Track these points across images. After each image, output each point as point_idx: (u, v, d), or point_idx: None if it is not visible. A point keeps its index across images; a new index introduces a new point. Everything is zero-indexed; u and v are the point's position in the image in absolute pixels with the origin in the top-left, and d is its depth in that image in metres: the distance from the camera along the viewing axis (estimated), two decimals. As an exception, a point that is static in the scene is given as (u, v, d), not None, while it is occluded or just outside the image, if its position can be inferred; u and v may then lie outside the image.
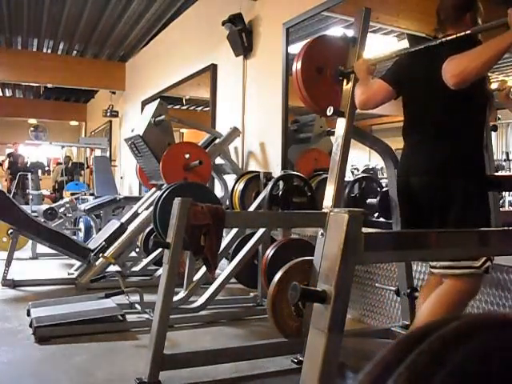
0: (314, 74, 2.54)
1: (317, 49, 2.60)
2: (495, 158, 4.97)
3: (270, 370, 2.29)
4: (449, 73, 1.83)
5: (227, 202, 4.24)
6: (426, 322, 1.64)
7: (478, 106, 2.02)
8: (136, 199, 5.39)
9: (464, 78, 1.79)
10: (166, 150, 3.97)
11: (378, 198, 3.22)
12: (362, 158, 6.62)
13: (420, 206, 2.01)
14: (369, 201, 3.32)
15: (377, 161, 5.87)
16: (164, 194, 3.41)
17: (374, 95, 2.21)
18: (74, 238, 5.45)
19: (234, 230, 3.40)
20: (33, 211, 5.90)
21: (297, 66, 2.54)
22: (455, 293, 1.87)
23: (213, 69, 5.45)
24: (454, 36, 1.94)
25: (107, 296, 3.06)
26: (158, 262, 4.42)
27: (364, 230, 1.19)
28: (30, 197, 8.25)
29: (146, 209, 4.46)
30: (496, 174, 3.52)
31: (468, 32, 1.90)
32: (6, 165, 12.14)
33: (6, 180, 11.94)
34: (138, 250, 4.87)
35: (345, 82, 2.46)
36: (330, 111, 2.30)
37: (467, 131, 1.97)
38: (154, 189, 4.77)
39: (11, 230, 4.27)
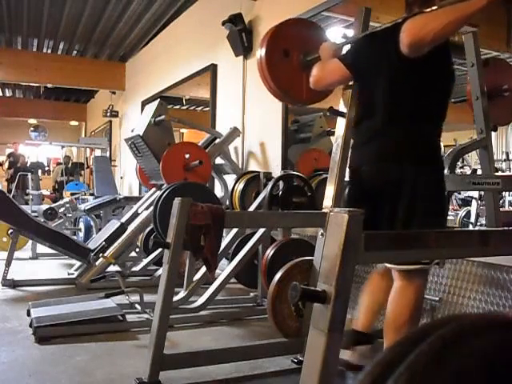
0: (279, 56, 2.44)
1: (286, 31, 2.50)
2: (495, 157, 4.97)
3: (269, 369, 2.29)
4: (405, 31, 1.67)
5: (227, 202, 4.24)
6: (396, 325, 1.62)
7: (439, 91, 1.87)
8: (136, 199, 5.39)
9: (420, 38, 1.63)
10: (166, 150, 3.97)
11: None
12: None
13: (371, 195, 1.88)
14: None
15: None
16: (164, 194, 3.41)
17: (329, 75, 2.10)
18: (74, 237, 5.45)
19: (234, 230, 3.40)
20: (33, 211, 5.90)
21: (262, 46, 2.45)
22: (413, 289, 1.78)
23: (213, 69, 5.46)
24: (416, 13, 1.76)
25: (107, 296, 3.05)
26: (157, 262, 4.42)
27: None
28: (30, 197, 8.24)
29: (146, 209, 4.47)
30: (496, 174, 3.51)
31: (434, 8, 1.71)
32: (6, 165, 12.15)
33: (6, 180, 11.93)
34: (137, 249, 4.87)
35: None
36: (329, 112, 2.29)
37: (423, 117, 1.83)
38: (153, 189, 4.77)
39: (11, 230, 4.27)
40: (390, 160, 1.83)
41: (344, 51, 2.21)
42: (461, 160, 6.13)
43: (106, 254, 4.06)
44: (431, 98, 1.84)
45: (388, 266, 1.88)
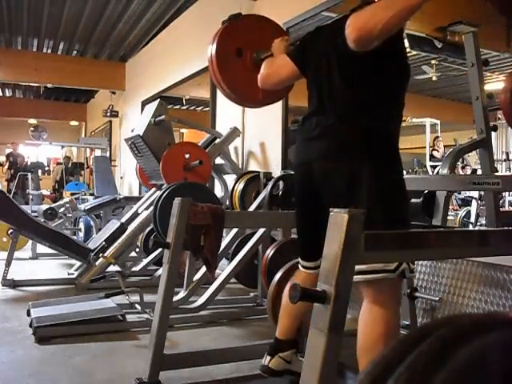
0: (231, 56, 2.31)
1: (238, 28, 2.38)
2: (495, 158, 4.97)
3: (270, 369, 2.29)
4: (350, 27, 1.54)
5: (227, 202, 4.24)
6: (368, 351, 1.52)
7: (393, 86, 1.74)
8: (136, 199, 5.39)
9: (367, 32, 1.51)
10: (166, 150, 3.97)
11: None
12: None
13: (320, 192, 1.75)
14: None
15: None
16: (164, 194, 3.41)
17: (277, 71, 1.99)
18: (74, 238, 5.45)
19: (234, 230, 3.40)
20: (33, 211, 5.90)
21: (213, 44, 2.32)
22: (383, 311, 1.57)
23: (213, 69, 5.45)
24: (361, 4, 1.67)
25: (107, 296, 3.06)
26: (158, 262, 4.42)
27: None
28: (30, 197, 8.24)
29: (146, 209, 4.46)
30: (496, 173, 3.51)
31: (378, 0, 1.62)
32: (6, 165, 12.15)
33: (6, 180, 11.94)
34: (137, 249, 4.87)
35: None
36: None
37: (377, 110, 1.70)
38: (153, 189, 4.77)
39: (11, 230, 4.27)
40: (342, 156, 1.69)
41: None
42: (461, 160, 6.14)
43: (106, 254, 4.06)
44: (385, 93, 1.71)
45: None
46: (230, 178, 4.48)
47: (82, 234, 5.97)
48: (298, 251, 2.01)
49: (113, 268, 4.22)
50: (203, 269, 3.27)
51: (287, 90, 2.47)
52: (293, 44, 2.13)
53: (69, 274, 4.41)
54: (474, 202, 5.50)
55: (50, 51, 8.63)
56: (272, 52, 2.18)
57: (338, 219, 1.15)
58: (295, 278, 2.02)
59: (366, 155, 1.65)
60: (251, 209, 3.47)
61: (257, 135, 4.63)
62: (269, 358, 2.01)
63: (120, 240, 4.18)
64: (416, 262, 2.60)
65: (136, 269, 4.59)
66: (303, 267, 1.96)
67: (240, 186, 3.94)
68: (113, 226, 4.42)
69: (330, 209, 1.19)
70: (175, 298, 3.06)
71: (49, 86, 9.64)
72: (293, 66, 1.93)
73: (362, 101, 1.70)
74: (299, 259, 2.00)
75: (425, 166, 7.77)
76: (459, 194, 6.20)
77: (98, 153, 9.83)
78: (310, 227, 1.89)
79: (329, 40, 1.79)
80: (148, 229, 4.54)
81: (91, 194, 7.20)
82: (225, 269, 3.34)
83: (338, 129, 1.72)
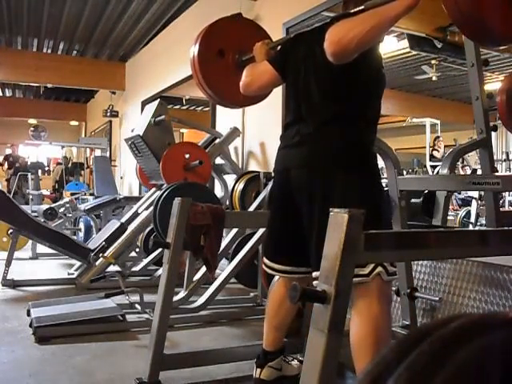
0: (213, 57, 2.30)
1: (221, 29, 2.36)
2: (495, 158, 4.97)
3: (270, 370, 2.28)
4: (327, 40, 1.56)
5: (227, 202, 4.24)
6: (361, 353, 1.61)
7: (370, 93, 1.77)
8: (136, 199, 5.39)
9: (344, 46, 1.51)
10: (165, 150, 3.97)
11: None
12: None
13: (297, 201, 1.77)
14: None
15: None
16: (164, 194, 3.41)
17: (259, 77, 2.00)
18: (74, 237, 5.44)
19: (234, 230, 3.40)
20: (33, 211, 5.90)
21: (196, 45, 2.30)
22: (368, 311, 1.59)
23: (213, 69, 5.44)
24: (340, 15, 1.69)
25: (107, 296, 3.05)
26: (158, 262, 4.42)
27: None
28: (30, 197, 8.24)
29: (146, 209, 4.47)
30: (496, 173, 3.51)
31: (361, 8, 1.63)
32: (5, 165, 12.16)
33: (6, 180, 11.94)
34: (137, 249, 4.87)
35: None
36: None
37: (352, 121, 1.72)
38: (153, 189, 4.77)
39: (11, 230, 4.27)
40: (318, 165, 1.72)
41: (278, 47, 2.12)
42: (461, 160, 6.14)
43: (105, 254, 4.06)
44: (362, 100, 1.74)
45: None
46: (230, 178, 4.48)
47: (82, 234, 5.97)
48: (269, 256, 1.98)
49: (113, 268, 4.22)
50: (203, 269, 3.27)
51: (268, 92, 2.47)
52: (274, 48, 2.13)
53: (69, 274, 4.40)
54: (473, 202, 5.50)
55: (50, 51, 8.62)
56: (254, 55, 2.18)
57: (338, 219, 1.15)
58: (274, 291, 2.01)
59: (341, 165, 1.69)
60: (251, 209, 3.47)
61: (257, 135, 4.63)
62: (259, 370, 2.02)
63: (120, 240, 4.18)
64: (416, 262, 2.61)
65: (136, 269, 4.59)
66: (280, 271, 1.94)
67: (240, 185, 3.94)
68: (113, 226, 4.42)
69: (330, 209, 1.19)
70: (175, 298, 3.05)
71: (49, 86, 9.64)
72: (273, 71, 1.94)
73: (337, 112, 1.73)
74: (274, 265, 1.95)
75: (425, 166, 7.78)
76: (459, 193, 6.20)
77: (98, 153, 9.83)
78: (287, 233, 1.89)
79: (308, 48, 1.81)
80: (148, 229, 4.54)
81: (91, 194, 7.20)
82: (225, 269, 3.34)
83: (315, 138, 1.75)
